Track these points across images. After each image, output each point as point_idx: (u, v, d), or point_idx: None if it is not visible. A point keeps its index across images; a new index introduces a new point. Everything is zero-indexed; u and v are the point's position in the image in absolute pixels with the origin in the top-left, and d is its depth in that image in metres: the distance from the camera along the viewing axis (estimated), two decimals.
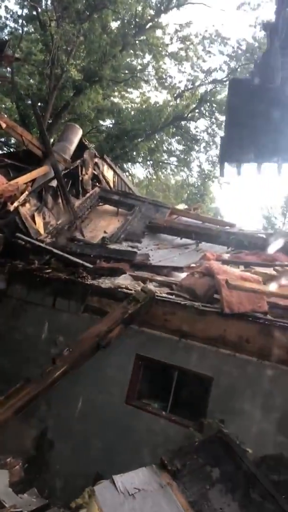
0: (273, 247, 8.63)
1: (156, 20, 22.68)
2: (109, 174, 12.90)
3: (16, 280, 7.93)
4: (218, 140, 24.37)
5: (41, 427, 6.80)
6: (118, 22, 22.85)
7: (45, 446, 6.75)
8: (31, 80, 22.26)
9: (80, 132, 11.98)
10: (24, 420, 6.30)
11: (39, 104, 20.71)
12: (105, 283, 7.24)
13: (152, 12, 22.33)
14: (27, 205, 8.87)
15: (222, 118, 23.87)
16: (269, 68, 4.88)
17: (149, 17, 22.33)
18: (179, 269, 7.95)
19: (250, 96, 4.93)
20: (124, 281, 7.33)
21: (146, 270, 8.04)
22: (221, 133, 23.96)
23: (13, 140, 21.03)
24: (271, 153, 4.88)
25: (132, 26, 21.91)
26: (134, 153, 24.18)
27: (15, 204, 8.45)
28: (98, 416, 6.54)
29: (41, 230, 8.78)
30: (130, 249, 9.56)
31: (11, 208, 8.30)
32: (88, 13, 20.22)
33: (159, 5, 22.04)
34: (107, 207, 11.83)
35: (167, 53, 24.03)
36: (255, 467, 4.12)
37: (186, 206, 20.07)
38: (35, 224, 8.73)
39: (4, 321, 7.76)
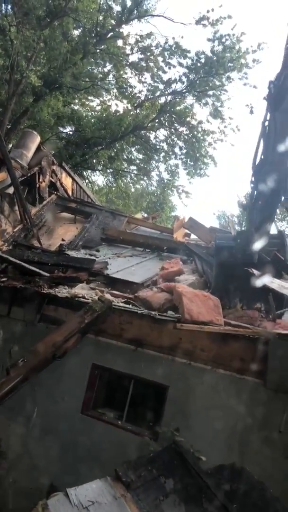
0: None
1: (117, 30, 22.82)
2: (67, 181, 12.82)
3: None
4: (177, 150, 24.85)
5: None
6: (79, 30, 22.88)
7: None
8: None
9: (38, 139, 11.86)
10: None
11: None
12: (62, 292, 7.18)
13: (113, 22, 22.46)
14: None
15: (181, 128, 24.31)
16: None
17: (110, 27, 22.44)
18: (137, 284, 7.95)
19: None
20: (81, 290, 7.29)
21: (103, 280, 8.02)
22: (180, 143, 24.41)
23: None
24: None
25: (93, 34, 21.95)
26: (94, 160, 24.17)
27: None
28: (53, 427, 6.46)
29: None
30: (88, 257, 9.50)
31: None
32: (48, 20, 20.09)
33: (120, 15, 22.21)
34: (65, 214, 11.75)
35: (128, 63, 24.22)
36: (208, 477, 4.16)
37: (145, 215, 20.24)
38: None
39: None
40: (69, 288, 7.37)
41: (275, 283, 7.00)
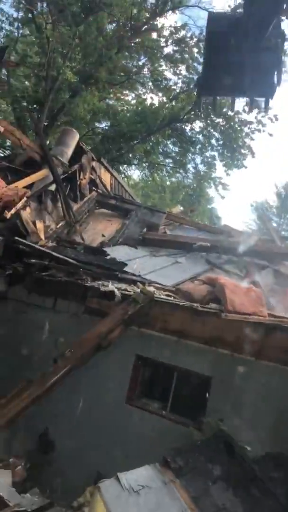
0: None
1: (151, 22, 22.71)
2: (106, 177, 12.98)
3: (17, 282, 8.01)
4: (213, 141, 24.54)
5: (42, 427, 6.90)
6: (114, 24, 22.91)
7: (46, 446, 6.84)
8: (26, 83, 22.23)
9: (77, 136, 12.06)
10: (26, 421, 6.41)
11: (34, 106, 20.74)
12: (104, 285, 7.33)
13: (147, 15, 22.37)
14: (28, 209, 8.92)
15: (218, 119, 23.99)
16: None
17: (144, 20, 22.35)
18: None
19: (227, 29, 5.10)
20: (122, 283, 7.43)
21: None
22: (217, 134, 24.14)
23: (8, 142, 21.03)
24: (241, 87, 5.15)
25: (128, 28, 21.94)
26: (130, 155, 24.23)
27: (17, 207, 8.50)
28: (99, 416, 6.64)
29: (42, 234, 8.82)
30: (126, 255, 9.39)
31: (12, 211, 8.37)
32: (83, 16, 20.25)
33: (154, 7, 22.10)
34: (104, 210, 11.90)
35: (162, 56, 24.08)
36: (255, 465, 4.24)
37: (181, 208, 20.19)
38: (36, 228, 8.78)
39: (4, 323, 7.84)
40: (111, 282, 7.50)
41: None
